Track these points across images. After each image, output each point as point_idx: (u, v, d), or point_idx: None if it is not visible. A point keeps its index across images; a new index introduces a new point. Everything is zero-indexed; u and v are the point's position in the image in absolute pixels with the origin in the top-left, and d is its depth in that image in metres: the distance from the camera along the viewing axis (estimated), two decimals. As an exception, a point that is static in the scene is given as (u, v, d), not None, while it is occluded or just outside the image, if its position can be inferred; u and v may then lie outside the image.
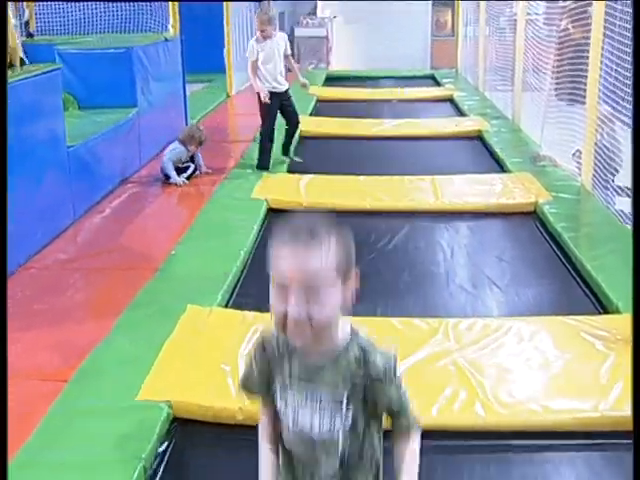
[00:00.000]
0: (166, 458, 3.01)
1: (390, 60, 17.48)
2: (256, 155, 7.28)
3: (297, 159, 7.62)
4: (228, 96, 12.10)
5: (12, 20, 10.28)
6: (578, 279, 4.71)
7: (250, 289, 4.61)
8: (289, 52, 7.30)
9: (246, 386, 1.80)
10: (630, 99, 5.43)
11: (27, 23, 10.88)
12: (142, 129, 7.66)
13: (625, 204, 5.61)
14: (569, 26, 7.58)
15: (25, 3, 10.81)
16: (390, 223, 5.75)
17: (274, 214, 5.96)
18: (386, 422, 1.75)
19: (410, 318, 3.98)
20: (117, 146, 7.05)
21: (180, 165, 7.07)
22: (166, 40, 8.86)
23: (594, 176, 6.23)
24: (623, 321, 3.89)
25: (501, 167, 7.46)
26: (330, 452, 1.68)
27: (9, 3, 10.53)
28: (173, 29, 10.06)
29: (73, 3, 11.37)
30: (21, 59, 6.71)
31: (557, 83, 7.69)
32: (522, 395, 3.27)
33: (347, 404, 1.64)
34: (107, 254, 5.25)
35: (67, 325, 4.17)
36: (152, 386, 3.33)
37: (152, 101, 7.98)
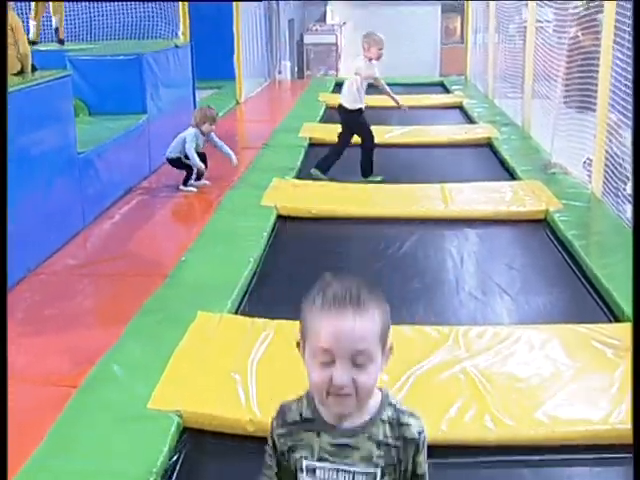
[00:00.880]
0: (177, 470, 2.98)
1: (399, 67, 17.49)
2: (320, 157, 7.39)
3: (377, 178, 7.41)
4: (237, 103, 12.13)
5: (31, 24, 10.34)
6: (589, 287, 4.69)
7: (260, 296, 4.61)
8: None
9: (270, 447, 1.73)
10: None
11: (57, 30, 10.87)
12: (152, 135, 7.68)
13: None
14: (579, 33, 7.56)
15: (52, 10, 10.79)
16: (399, 230, 5.74)
17: (283, 221, 5.97)
18: None
19: (420, 326, 3.97)
20: (127, 152, 7.07)
21: (198, 151, 7.03)
22: (176, 47, 8.89)
23: (604, 184, 6.21)
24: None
25: (511, 175, 7.44)
26: None
27: (29, 8, 10.62)
28: (183, 36, 10.09)
29: (90, 9, 11.41)
30: (32, 65, 6.72)
31: (567, 91, 7.68)
32: (532, 406, 3.24)
33: (382, 477, 1.62)
34: (117, 260, 5.26)
35: (77, 331, 4.18)
36: (162, 395, 3.32)
37: (162, 107, 8.00)
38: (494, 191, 6.62)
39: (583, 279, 4.81)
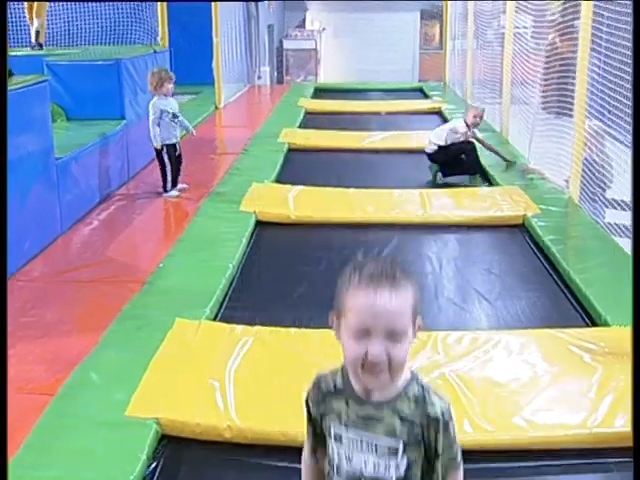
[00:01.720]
0: (155, 477, 2.97)
1: (378, 73, 17.56)
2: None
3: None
4: (217, 108, 12.10)
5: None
6: (566, 292, 4.72)
7: (239, 302, 4.60)
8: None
9: (307, 405, 1.80)
10: (618, 114, 5.46)
11: (37, 33, 10.61)
12: (130, 141, 7.65)
13: (619, 217, 5.62)
14: (556, 40, 7.62)
15: (35, 12, 10.59)
16: (379, 236, 5.75)
17: (262, 226, 5.96)
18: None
19: (399, 331, 3.97)
20: (105, 158, 7.03)
21: (173, 121, 6.89)
22: (155, 52, 8.86)
23: (582, 189, 6.26)
24: (611, 334, 3.91)
25: (489, 180, 7.48)
26: None
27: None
28: (162, 41, 10.06)
29: (68, 13, 11.30)
30: (9, 70, 6.66)
31: (545, 96, 7.73)
32: (511, 411, 3.26)
33: (403, 451, 1.66)
34: (95, 267, 5.22)
35: (54, 338, 4.14)
36: (140, 402, 3.31)
37: (140, 113, 7.96)
38: (472, 196, 6.65)
39: (561, 284, 4.84)
